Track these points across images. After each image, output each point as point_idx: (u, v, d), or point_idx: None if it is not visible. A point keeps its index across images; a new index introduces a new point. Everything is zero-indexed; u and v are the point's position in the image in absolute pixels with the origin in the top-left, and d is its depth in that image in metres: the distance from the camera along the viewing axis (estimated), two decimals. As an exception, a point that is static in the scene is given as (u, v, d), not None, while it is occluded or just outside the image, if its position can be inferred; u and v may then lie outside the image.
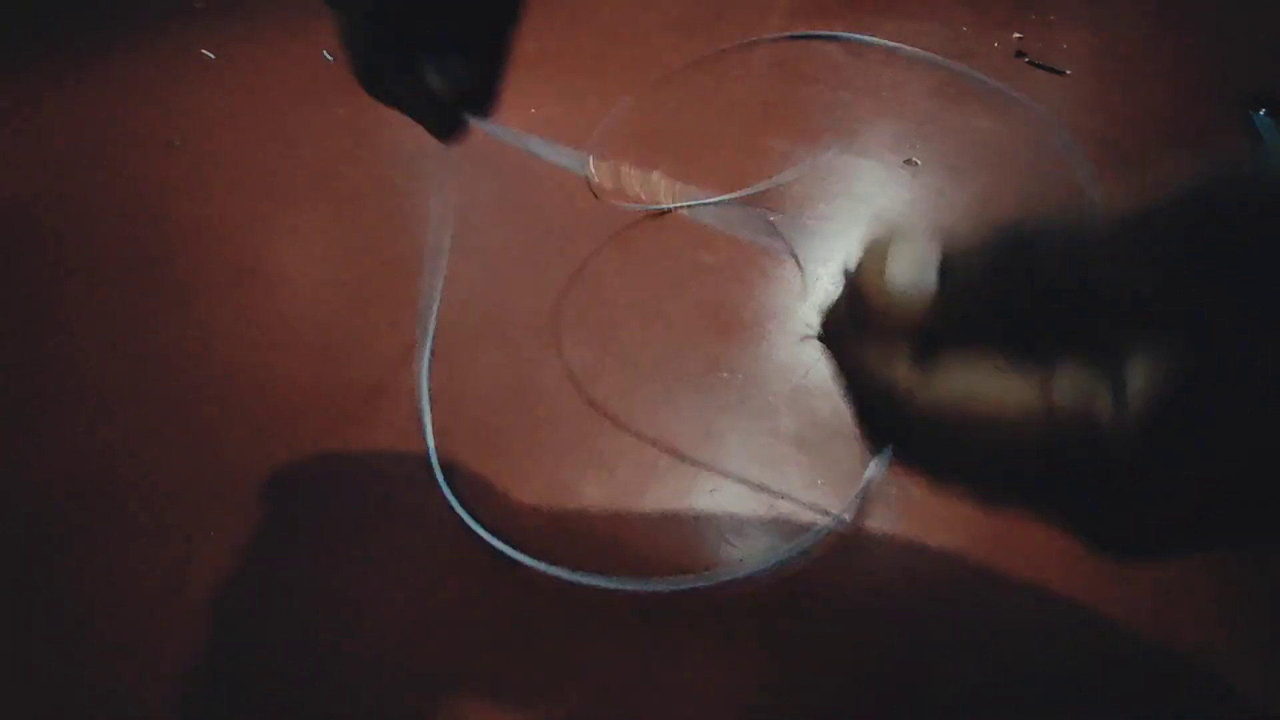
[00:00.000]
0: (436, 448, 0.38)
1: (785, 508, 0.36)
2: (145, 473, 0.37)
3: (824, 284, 0.47)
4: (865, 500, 0.35)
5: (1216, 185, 0.13)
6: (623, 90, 0.63)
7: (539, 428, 0.39)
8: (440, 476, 0.36)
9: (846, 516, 0.35)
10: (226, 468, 0.37)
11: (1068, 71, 0.66)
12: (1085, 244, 0.14)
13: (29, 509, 0.36)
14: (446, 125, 0.27)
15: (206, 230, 0.51)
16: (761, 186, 0.53)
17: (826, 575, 0.33)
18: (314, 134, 0.60)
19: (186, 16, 0.75)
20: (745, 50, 0.69)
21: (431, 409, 0.39)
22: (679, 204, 0.27)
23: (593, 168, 0.29)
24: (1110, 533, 0.15)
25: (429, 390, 0.40)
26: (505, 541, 0.34)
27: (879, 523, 0.35)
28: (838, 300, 0.17)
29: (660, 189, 0.27)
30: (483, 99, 0.27)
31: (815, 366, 0.42)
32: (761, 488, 0.36)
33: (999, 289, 0.15)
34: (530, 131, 0.28)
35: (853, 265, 0.17)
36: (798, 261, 0.39)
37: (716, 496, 0.36)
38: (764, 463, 0.37)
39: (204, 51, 0.69)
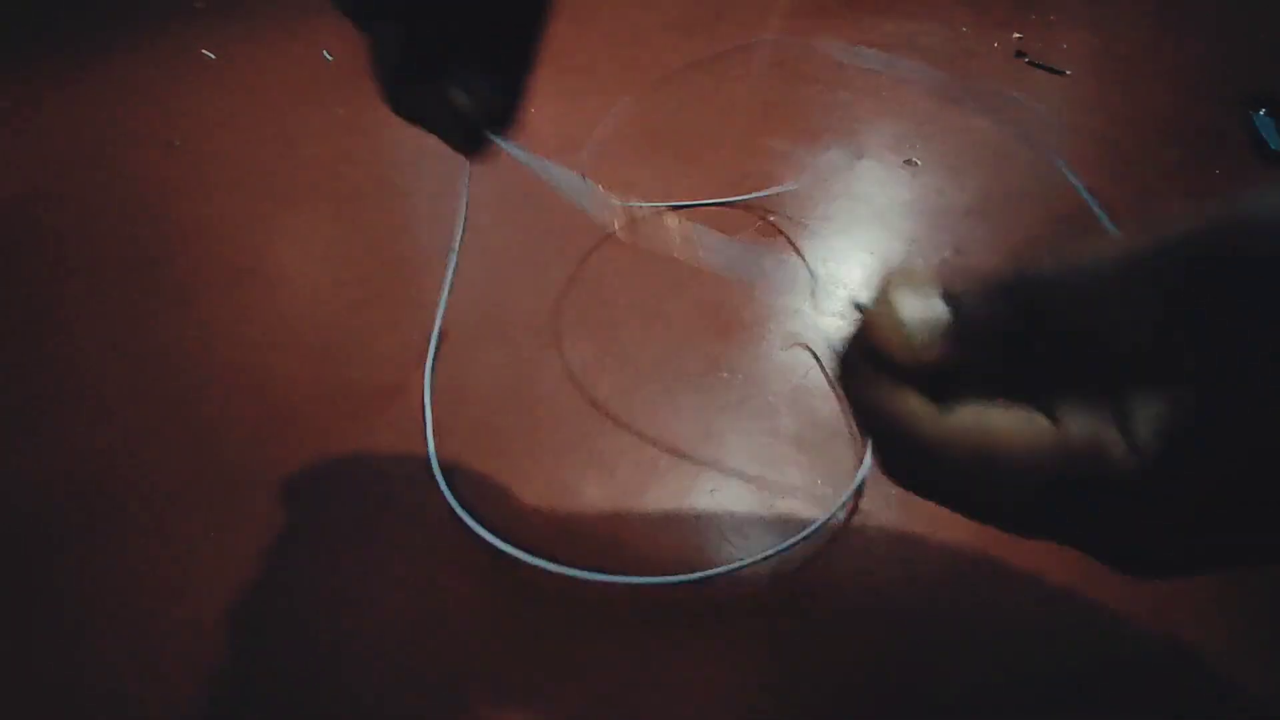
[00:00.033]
0: (437, 448, 0.38)
1: (785, 507, 0.36)
2: (145, 473, 0.37)
3: (826, 287, 0.47)
4: (863, 498, 0.35)
5: (1221, 229, 0.14)
6: (623, 90, 0.63)
7: (539, 428, 0.39)
8: (440, 477, 0.36)
9: (843, 515, 0.35)
10: (226, 468, 0.37)
11: (1068, 71, 0.66)
12: (1093, 286, 0.15)
13: (29, 509, 0.36)
14: (472, 142, 0.27)
15: (206, 230, 0.51)
16: (776, 190, 0.53)
17: (826, 575, 0.33)
18: (314, 134, 0.60)
19: (186, 16, 0.75)
20: (745, 50, 0.69)
21: (432, 409, 0.39)
22: (692, 247, 0.27)
23: (597, 198, 0.29)
24: (1123, 555, 0.16)
25: (430, 392, 0.40)
26: (506, 541, 0.34)
27: (879, 522, 0.35)
28: (853, 339, 0.18)
29: (674, 233, 0.28)
30: (505, 117, 0.27)
31: (815, 367, 0.42)
32: (761, 487, 0.36)
33: (1009, 330, 0.16)
34: (535, 142, 0.28)
35: (867, 306, 0.17)
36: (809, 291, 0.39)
37: (716, 496, 0.36)
38: (764, 463, 0.37)
39: (204, 51, 0.69)
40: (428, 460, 0.37)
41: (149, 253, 0.50)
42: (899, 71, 0.65)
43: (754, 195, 0.52)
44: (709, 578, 0.33)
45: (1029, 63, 0.67)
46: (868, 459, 0.37)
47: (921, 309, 0.16)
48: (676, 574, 0.33)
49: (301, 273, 0.49)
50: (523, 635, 0.31)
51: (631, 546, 0.34)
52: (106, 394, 0.41)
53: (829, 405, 0.40)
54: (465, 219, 0.40)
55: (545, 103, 0.61)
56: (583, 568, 0.33)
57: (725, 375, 0.42)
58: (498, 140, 0.27)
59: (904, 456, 0.17)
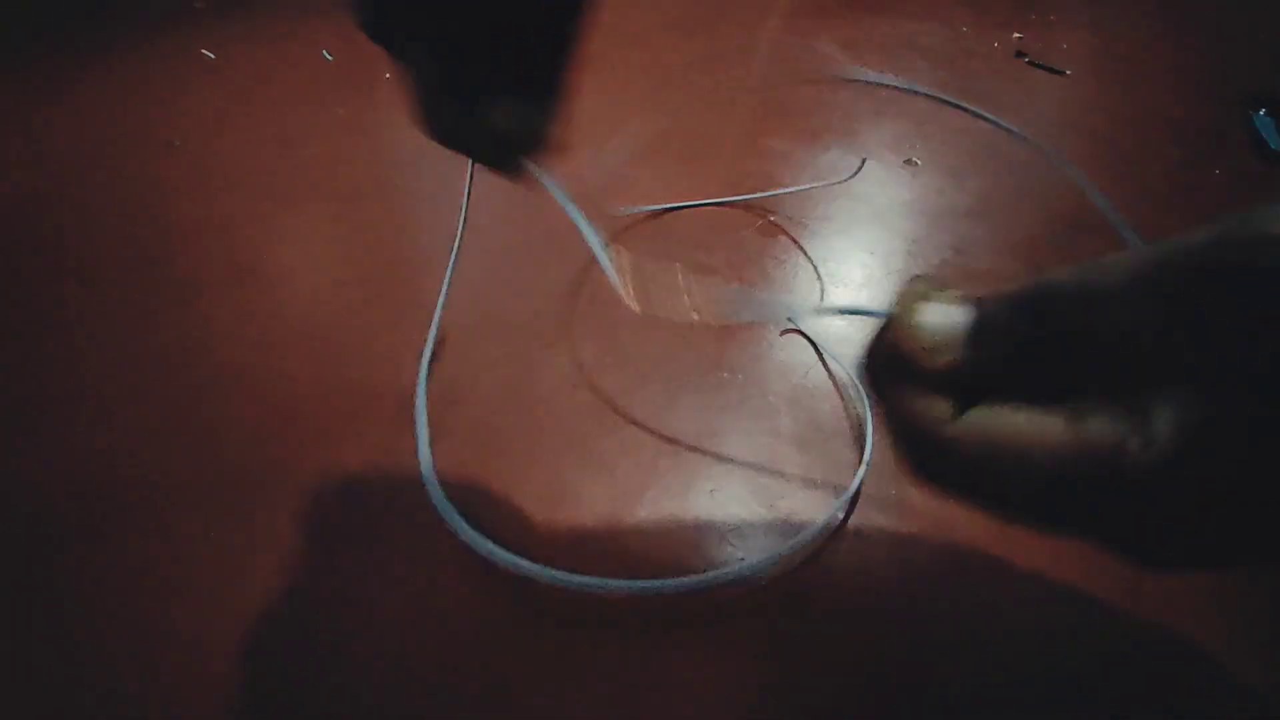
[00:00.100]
0: (437, 447, 0.38)
1: (785, 507, 0.36)
2: (145, 473, 0.37)
3: (827, 287, 0.47)
4: (863, 498, 0.35)
5: (1232, 240, 0.14)
6: (623, 90, 0.63)
7: (539, 428, 0.39)
8: (432, 485, 0.36)
9: (842, 514, 0.35)
10: (226, 468, 0.37)
11: (1068, 71, 0.66)
12: (1110, 292, 0.15)
13: (29, 509, 0.36)
14: (512, 166, 0.27)
15: (206, 230, 0.51)
16: (798, 188, 0.53)
17: (826, 575, 0.33)
18: (314, 134, 0.60)
19: (186, 16, 0.75)
20: (745, 50, 0.69)
21: (430, 418, 0.39)
22: (706, 303, 0.28)
23: (612, 260, 0.29)
24: (1136, 549, 0.16)
25: (425, 401, 0.40)
26: (505, 541, 0.34)
27: (878, 523, 0.35)
28: (878, 345, 0.19)
29: (684, 291, 0.28)
30: (543, 137, 0.27)
31: (815, 366, 0.42)
32: (761, 487, 0.36)
33: (1027, 335, 0.16)
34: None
35: (891, 314, 0.18)
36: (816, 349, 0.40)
37: (716, 496, 0.36)
38: (764, 463, 0.37)
39: (204, 51, 0.69)
40: (429, 463, 0.37)
41: (149, 253, 0.50)
42: (899, 83, 0.65)
43: (755, 195, 0.52)
44: (708, 583, 0.33)
45: (1029, 63, 0.67)
46: (868, 459, 0.37)
47: (941, 315, 0.17)
48: (676, 575, 0.33)
49: (301, 273, 0.49)
50: (522, 635, 0.31)
51: (631, 546, 0.34)
52: (106, 394, 0.41)
53: (829, 405, 0.40)
54: (465, 218, 0.40)
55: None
56: (582, 568, 0.33)
57: (725, 375, 0.42)
58: (537, 172, 0.27)
59: (924, 454, 0.18)
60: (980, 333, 0.17)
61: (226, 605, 0.33)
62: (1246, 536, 0.15)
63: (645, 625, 0.32)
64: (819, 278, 0.47)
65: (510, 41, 0.25)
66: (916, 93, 0.62)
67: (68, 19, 0.74)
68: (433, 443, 0.38)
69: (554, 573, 0.31)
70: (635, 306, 0.28)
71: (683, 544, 0.34)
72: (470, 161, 0.29)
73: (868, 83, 0.64)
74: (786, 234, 0.50)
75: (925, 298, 0.18)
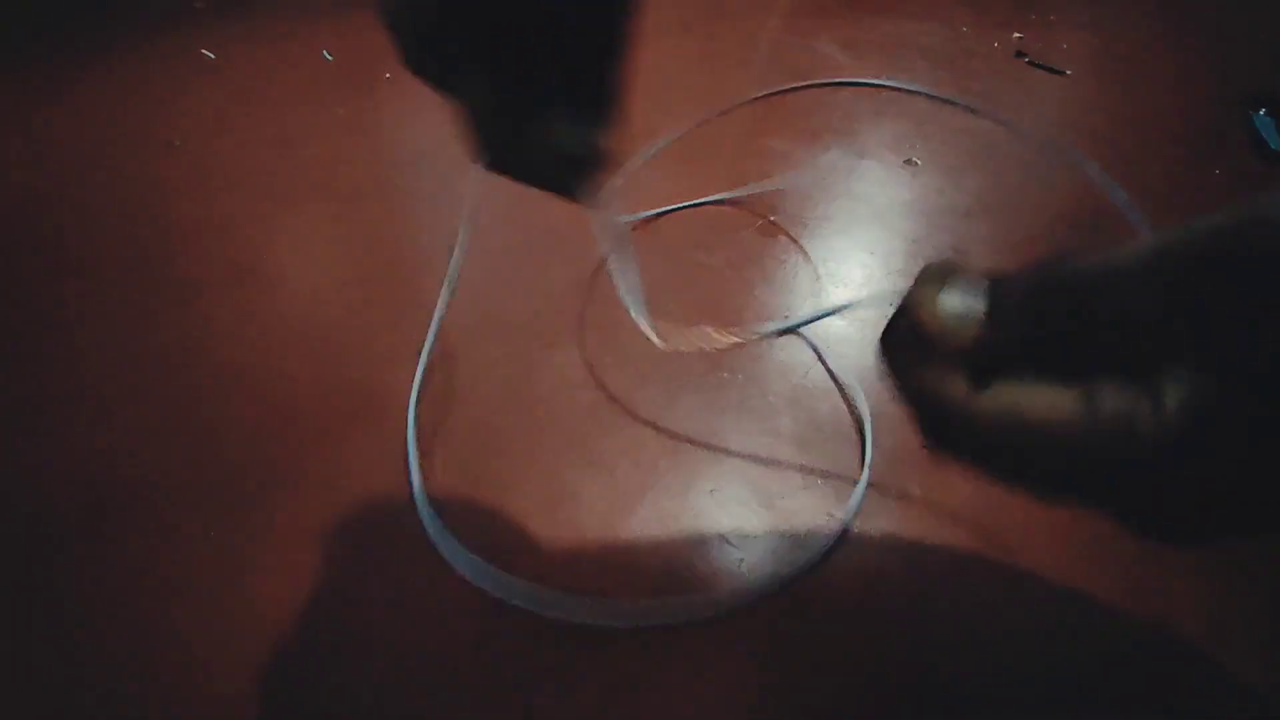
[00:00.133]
0: (436, 448, 0.38)
1: (785, 508, 0.36)
2: (145, 473, 0.37)
3: (827, 286, 0.47)
4: (863, 499, 0.35)
5: (1242, 225, 0.15)
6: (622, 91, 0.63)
7: (539, 428, 0.39)
8: (419, 497, 0.35)
9: (840, 515, 0.35)
10: (226, 468, 0.37)
11: (1068, 71, 0.66)
12: (1124, 275, 0.16)
13: (29, 509, 0.36)
14: (583, 185, 0.27)
15: (206, 230, 0.51)
16: (776, 184, 0.53)
17: (826, 576, 0.33)
18: (314, 134, 0.60)
19: (186, 16, 0.75)
20: (744, 50, 0.69)
21: (430, 419, 0.39)
22: (730, 340, 0.28)
23: (649, 322, 0.30)
24: (1148, 522, 0.17)
25: (416, 405, 0.40)
26: (503, 543, 0.34)
27: (879, 523, 0.35)
28: (897, 324, 0.19)
29: (710, 340, 0.28)
30: (604, 152, 0.27)
31: (815, 366, 0.42)
32: (761, 488, 0.36)
33: (1043, 316, 0.17)
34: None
35: (908, 292, 0.19)
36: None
37: (716, 496, 0.36)
38: (764, 463, 0.37)
39: (204, 51, 0.69)
40: (428, 465, 0.37)
41: (149, 253, 0.50)
42: (900, 85, 0.65)
43: (750, 189, 0.52)
44: (710, 605, 0.32)
45: (1029, 63, 0.67)
46: (868, 460, 0.37)
47: (961, 297, 0.18)
48: (675, 576, 0.33)
49: (301, 273, 0.49)
50: (522, 635, 0.31)
51: (631, 547, 0.34)
52: (106, 394, 0.41)
53: (829, 405, 0.40)
54: (466, 218, 0.40)
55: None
56: (581, 571, 0.33)
57: (725, 375, 0.42)
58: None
59: (945, 429, 0.18)
60: (999, 313, 0.18)
61: (226, 605, 0.33)
62: (1254, 507, 0.16)
63: (645, 625, 0.32)
64: (819, 277, 0.47)
65: (556, 57, 0.24)
66: (940, 100, 0.61)
67: (68, 19, 0.74)
68: (432, 449, 0.38)
69: (542, 594, 0.31)
70: (664, 346, 0.28)
71: (682, 544, 0.34)
72: (480, 168, 0.28)
73: (867, 85, 0.64)
74: (786, 234, 0.50)
75: (944, 279, 0.18)
